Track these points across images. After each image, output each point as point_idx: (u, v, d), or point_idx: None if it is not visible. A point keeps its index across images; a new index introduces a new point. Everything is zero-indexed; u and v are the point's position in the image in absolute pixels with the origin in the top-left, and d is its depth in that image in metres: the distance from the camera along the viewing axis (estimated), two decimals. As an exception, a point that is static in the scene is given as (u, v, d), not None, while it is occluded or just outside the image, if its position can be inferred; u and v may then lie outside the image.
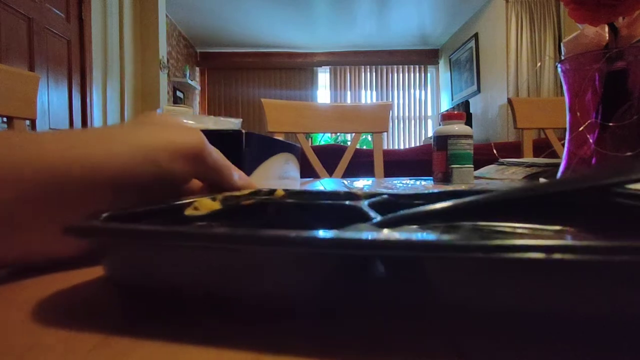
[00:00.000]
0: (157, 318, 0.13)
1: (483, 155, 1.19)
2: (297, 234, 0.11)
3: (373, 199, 0.21)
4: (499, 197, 0.16)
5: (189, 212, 0.19)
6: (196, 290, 0.13)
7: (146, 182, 0.19)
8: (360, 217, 0.18)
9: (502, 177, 0.76)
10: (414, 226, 0.17)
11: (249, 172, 0.37)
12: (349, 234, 0.11)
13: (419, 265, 0.11)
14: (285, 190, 0.25)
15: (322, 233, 0.11)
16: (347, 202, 0.20)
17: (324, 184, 0.77)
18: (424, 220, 0.17)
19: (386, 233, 0.14)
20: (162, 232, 0.12)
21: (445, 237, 0.10)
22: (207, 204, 0.20)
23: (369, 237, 0.10)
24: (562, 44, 0.48)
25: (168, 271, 0.13)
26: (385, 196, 0.22)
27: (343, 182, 0.76)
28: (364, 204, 0.20)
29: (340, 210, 0.20)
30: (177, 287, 0.13)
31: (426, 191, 0.23)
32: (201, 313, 0.13)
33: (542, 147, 1.07)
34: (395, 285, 0.12)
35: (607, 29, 0.43)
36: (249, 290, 0.12)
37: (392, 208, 0.22)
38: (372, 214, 0.18)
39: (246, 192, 0.24)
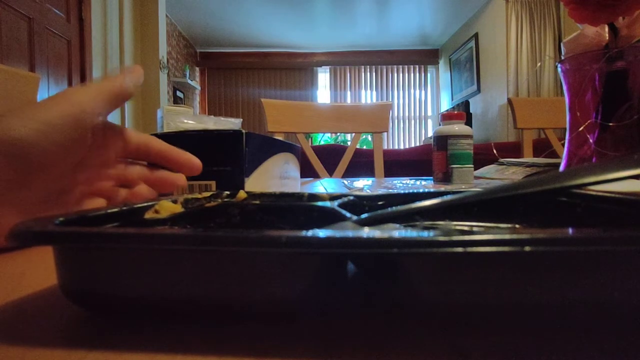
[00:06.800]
0: (126, 331, 0.12)
1: (483, 155, 1.20)
2: (301, 234, 0.11)
3: (342, 200, 0.21)
4: (471, 197, 0.17)
5: (149, 215, 0.18)
6: (176, 298, 0.12)
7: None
8: (334, 217, 0.18)
9: (502, 177, 0.76)
10: (396, 224, 0.17)
11: (249, 172, 0.37)
12: (354, 232, 0.11)
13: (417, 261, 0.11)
14: (247, 192, 0.24)
15: (323, 233, 0.11)
16: (318, 204, 0.20)
17: (324, 184, 0.77)
18: (404, 219, 0.18)
19: (388, 229, 0.14)
20: (147, 236, 0.12)
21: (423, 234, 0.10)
22: (168, 207, 0.19)
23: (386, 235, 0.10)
24: (562, 44, 0.48)
25: (146, 278, 0.12)
26: (351, 197, 0.22)
27: (343, 182, 0.76)
28: (335, 205, 0.20)
29: (310, 211, 0.20)
30: (157, 295, 0.12)
31: (389, 192, 0.23)
32: (174, 322, 0.13)
33: (542, 147, 1.07)
34: (391, 283, 0.12)
35: (607, 29, 0.43)
36: (254, 295, 0.12)
37: (359, 208, 0.22)
38: (347, 214, 0.18)
39: (208, 194, 0.23)
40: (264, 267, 0.12)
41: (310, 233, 0.11)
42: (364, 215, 0.17)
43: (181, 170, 0.29)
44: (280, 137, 0.91)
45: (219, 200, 0.22)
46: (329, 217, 0.19)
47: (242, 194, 0.24)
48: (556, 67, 0.49)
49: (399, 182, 0.76)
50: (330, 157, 1.37)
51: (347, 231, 0.11)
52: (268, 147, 0.42)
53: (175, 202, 0.20)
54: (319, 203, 0.20)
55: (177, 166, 0.29)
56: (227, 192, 0.24)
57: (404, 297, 0.12)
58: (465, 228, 0.20)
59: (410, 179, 0.84)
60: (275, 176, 0.44)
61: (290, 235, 0.11)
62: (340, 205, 0.20)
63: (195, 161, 0.30)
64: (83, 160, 0.25)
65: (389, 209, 0.17)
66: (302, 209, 0.20)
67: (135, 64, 3.03)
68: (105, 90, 0.25)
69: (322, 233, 0.11)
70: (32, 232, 0.12)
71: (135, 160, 0.29)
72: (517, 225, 0.20)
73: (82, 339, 0.12)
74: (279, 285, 0.12)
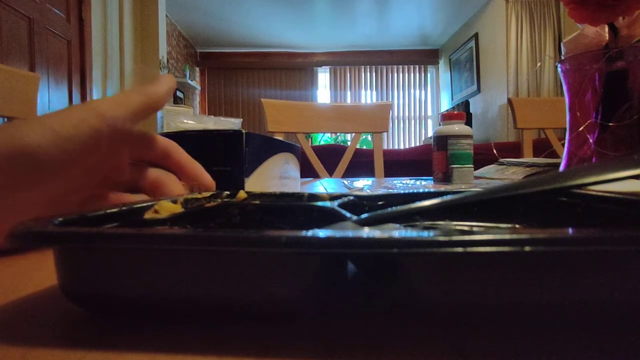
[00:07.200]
0: (126, 331, 0.12)
1: (483, 155, 1.20)
2: (304, 234, 0.11)
3: (342, 200, 0.21)
4: (471, 197, 0.17)
5: (149, 215, 0.18)
6: (176, 298, 0.12)
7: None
8: (334, 217, 0.18)
9: (502, 177, 0.76)
10: (396, 224, 0.17)
11: (249, 172, 0.37)
12: (355, 232, 0.11)
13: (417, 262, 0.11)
14: (247, 192, 0.24)
15: (323, 233, 0.11)
16: (318, 204, 0.20)
17: (324, 184, 0.77)
18: (404, 219, 0.18)
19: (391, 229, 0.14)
20: (147, 236, 0.12)
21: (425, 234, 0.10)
22: (168, 207, 0.19)
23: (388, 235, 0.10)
24: (562, 44, 0.48)
25: (146, 279, 0.12)
26: (351, 197, 0.22)
27: (343, 182, 0.76)
28: (335, 205, 0.19)
29: (310, 211, 0.20)
30: (157, 295, 0.12)
31: (389, 192, 0.23)
32: (174, 322, 0.13)
33: (542, 147, 1.07)
34: (392, 283, 0.12)
35: (607, 29, 0.43)
36: (254, 295, 0.12)
37: (359, 208, 0.22)
38: (347, 214, 0.18)
39: (208, 194, 0.23)
40: (263, 267, 0.12)
41: (310, 233, 0.11)
42: (363, 215, 0.17)
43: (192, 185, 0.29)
44: (280, 137, 0.91)
45: (219, 200, 0.22)
46: (329, 217, 0.18)
47: (242, 194, 0.23)
48: (556, 67, 0.49)
49: (399, 182, 0.76)
50: (330, 157, 1.37)
51: (346, 231, 0.11)
52: (268, 147, 0.42)
53: (175, 202, 0.20)
54: (319, 203, 0.20)
55: (189, 182, 0.29)
56: (227, 192, 0.24)
57: (404, 297, 0.12)
58: (465, 228, 0.20)
59: (410, 179, 0.84)
60: (275, 176, 0.44)
61: (290, 235, 0.11)
62: (340, 205, 0.20)
63: (209, 181, 0.29)
64: (96, 165, 0.24)
65: (389, 209, 0.17)
66: (302, 209, 0.20)
67: (135, 64, 3.04)
68: (134, 100, 0.24)
69: (321, 233, 0.11)
70: (31, 233, 0.12)
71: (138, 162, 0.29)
72: (517, 225, 0.20)
73: (82, 339, 0.12)
74: (279, 285, 0.12)
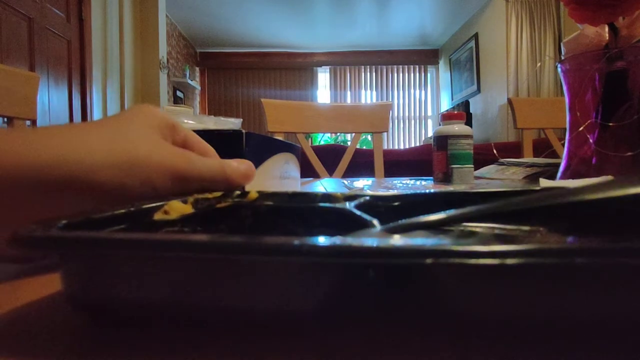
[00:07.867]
0: (133, 342, 0.12)
1: (483, 155, 1.19)
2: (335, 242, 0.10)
3: (358, 201, 0.20)
4: (501, 207, 0.16)
5: (158, 216, 0.18)
6: (184, 306, 0.12)
7: (131, 195, 0.19)
8: (353, 221, 0.17)
9: (502, 177, 0.76)
10: (426, 232, 0.16)
11: (249, 172, 0.37)
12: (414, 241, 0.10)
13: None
14: (258, 192, 0.23)
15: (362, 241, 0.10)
16: (335, 206, 0.19)
17: (324, 184, 0.77)
18: (434, 226, 0.17)
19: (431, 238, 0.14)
20: (153, 242, 0.11)
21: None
22: (178, 208, 0.19)
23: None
24: (562, 44, 0.48)
25: (152, 286, 0.12)
26: (367, 198, 0.21)
27: (343, 182, 0.76)
28: (351, 206, 0.19)
29: (327, 213, 0.19)
30: (160, 304, 0.12)
31: (405, 192, 0.22)
32: (178, 330, 0.12)
33: (542, 147, 1.06)
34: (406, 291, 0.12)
35: (607, 29, 0.43)
36: (259, 304, 0.12)
37: (375, 209, 0.21)
38: (367, 217, 0.17)
39: (218, 194, 0.22)
40: (277, 276, 0.12)
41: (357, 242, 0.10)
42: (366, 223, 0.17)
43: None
44: (280, 137, 0.91)
45: (230, 200, 0.21)
46: (347, 220, 0.18)
47: (253, 194, 0.22)
48: (556, 67, 0.49)
49: (399, 182, 0.76)
50: (330, 157, 1.37)
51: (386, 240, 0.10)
52: (268, 147, 0.42)
53: (185, 202, 0.20)
54: (336, 205, 0.19)
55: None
56: (238, 192, 0.23)
57: (415, 304, 0.12)
58: (501, 232, 0.19)
59: (411, 179, 0.84)
60: (275, 176, 0.44)
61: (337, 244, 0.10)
62: (356, 207, 0.19)
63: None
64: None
65: (420, 218, 0.16)
66: (318, 211, 0.20)
67: (135, 64, 3.04)
68: (213, 169, 0.23)
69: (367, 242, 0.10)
70: (34, 238, 0.11)
71: None
72: (540, 229, 0.19)
73: (84, 350, 0.12)
74: (291, 294, 0.12)
